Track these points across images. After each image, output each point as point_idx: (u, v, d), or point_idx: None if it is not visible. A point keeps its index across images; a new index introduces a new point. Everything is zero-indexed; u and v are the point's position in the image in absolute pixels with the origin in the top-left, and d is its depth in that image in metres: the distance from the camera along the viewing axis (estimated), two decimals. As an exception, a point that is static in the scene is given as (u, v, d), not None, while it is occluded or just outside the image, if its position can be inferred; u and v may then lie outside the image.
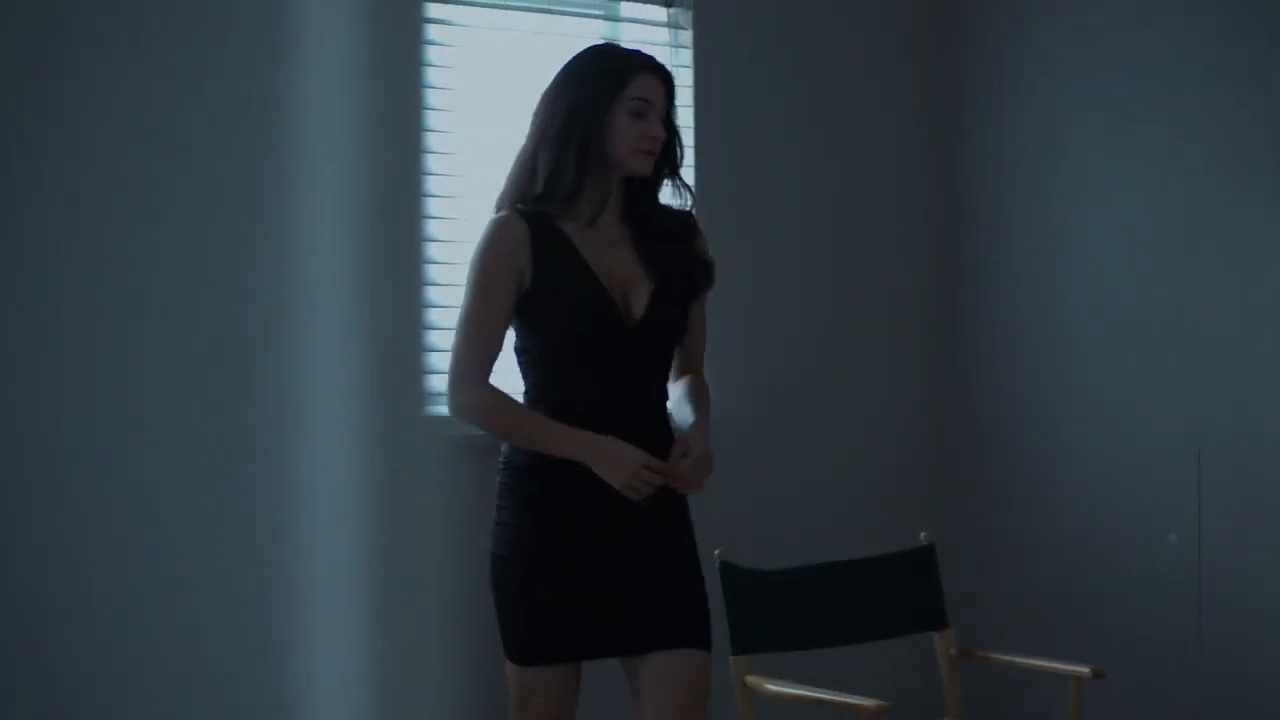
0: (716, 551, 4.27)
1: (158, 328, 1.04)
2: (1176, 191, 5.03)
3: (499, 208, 3.66)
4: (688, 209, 3.79)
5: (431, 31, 4.84)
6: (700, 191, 5.23)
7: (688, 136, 5.23)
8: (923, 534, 4.57)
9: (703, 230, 3.81)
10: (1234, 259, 4.90)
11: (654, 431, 3.65)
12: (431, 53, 4.76)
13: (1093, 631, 5.21)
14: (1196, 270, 4.99)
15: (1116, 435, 5.20)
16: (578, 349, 3.63)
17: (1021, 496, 5.41)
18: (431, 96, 4.42)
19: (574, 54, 3.70)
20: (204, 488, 1.03)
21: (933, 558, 4.51)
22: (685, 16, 5.29)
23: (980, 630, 5.21)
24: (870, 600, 4.47)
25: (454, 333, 3.62)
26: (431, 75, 4.68)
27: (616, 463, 3.55)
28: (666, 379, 3.75)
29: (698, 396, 3.75)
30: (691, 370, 3.81)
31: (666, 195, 3.81)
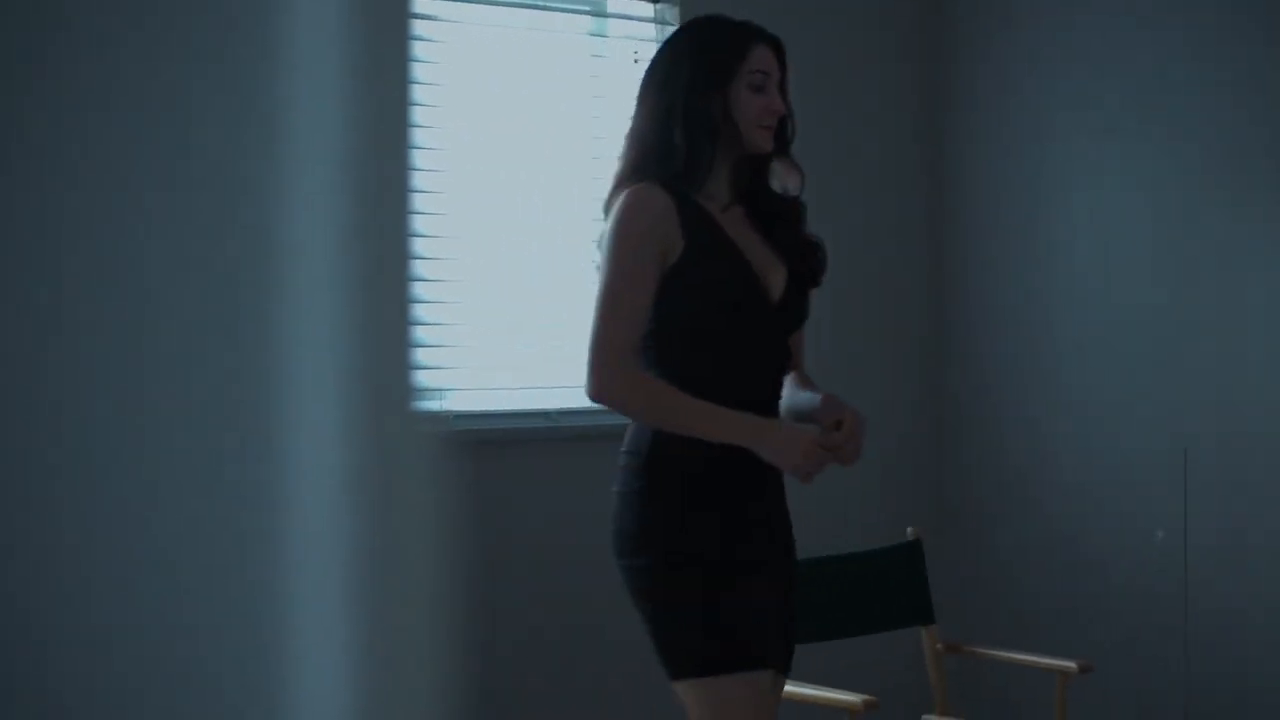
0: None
1: (144, 326, 1.04)
2: (1165, 192, 5.04)
3: (620, 188, 3.37)
4: (796, 191, 3.49)
5: (419, 27, 4.84)
6: None
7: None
8: (910, 529, 4.57)
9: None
10: (1221, 258, 4.91)
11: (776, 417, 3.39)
12: (419, 48, 4.76)
13: (1080, 627, 5.21)
14: (1184, 269, 5.00)
15: (1104, 433, 5.21)
16: (725, 328, 3.35)
17: (1010, 493, 5.42)
18: (418, 91, 4.42)
19: (682, 27, 3.54)
20: (190, 486, 1.03)
21: (920, 553, 4.51)
22: (672, 12, 5.29)
23: (968, 625, 5.22)
24: (857, 595, 4.47)
25: (595, 312, 3.31)
26: (419, 70, 4.68)
27: (787, 443, 3.27)
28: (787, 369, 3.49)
29: (809, 382, 3.52)
30: (800, 364, 3.57)
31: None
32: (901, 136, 5.71)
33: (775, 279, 3.41)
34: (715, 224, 3.36)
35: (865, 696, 3.86)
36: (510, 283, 5.01)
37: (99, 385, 1.03)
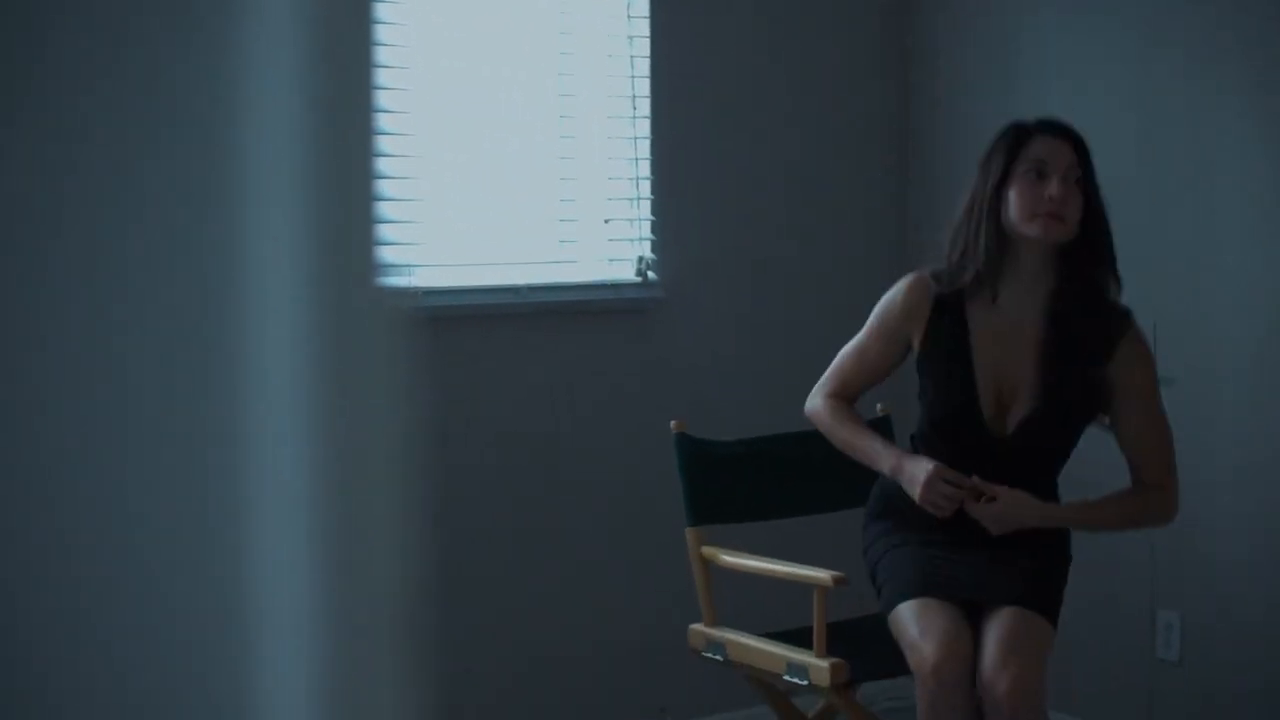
0: (673, 423, 4.27)
1: (103, 200, 1.01)
2: (1139, 70, 5.02)
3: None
4: (1122, 314, 3.67)
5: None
6: (655, 84, 5.20)
7: (643, 45, 5.18)
8: (879, 405, 4.57)
9: (1137, 340, 3.70)
10: (1194, 134, 4.89)
11: (1017, 533, 3.67)
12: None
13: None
14: (1156, 145, 4.98)
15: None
16: (940, 435, 3.73)
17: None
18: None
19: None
20: (147, 352, 1.01)
21: (889, 429, 4.51)
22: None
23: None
24: (827, 471, 4.47)
25: None
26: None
27: (911, 479, 3.67)
28: (1047, 487, 3.76)
29: (1112, 501, 3.77)
30: (1144, 479, 3.77)
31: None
32: (869, 29, 5.65)
33: (1018, 407, 3.63)
34: (963, 333, 3.62)
35: (834, 573, 3.87)
36: (479, 157, 4.96)
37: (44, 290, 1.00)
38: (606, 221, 5.22)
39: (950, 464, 3.65)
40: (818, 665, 3.85)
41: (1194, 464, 4.93)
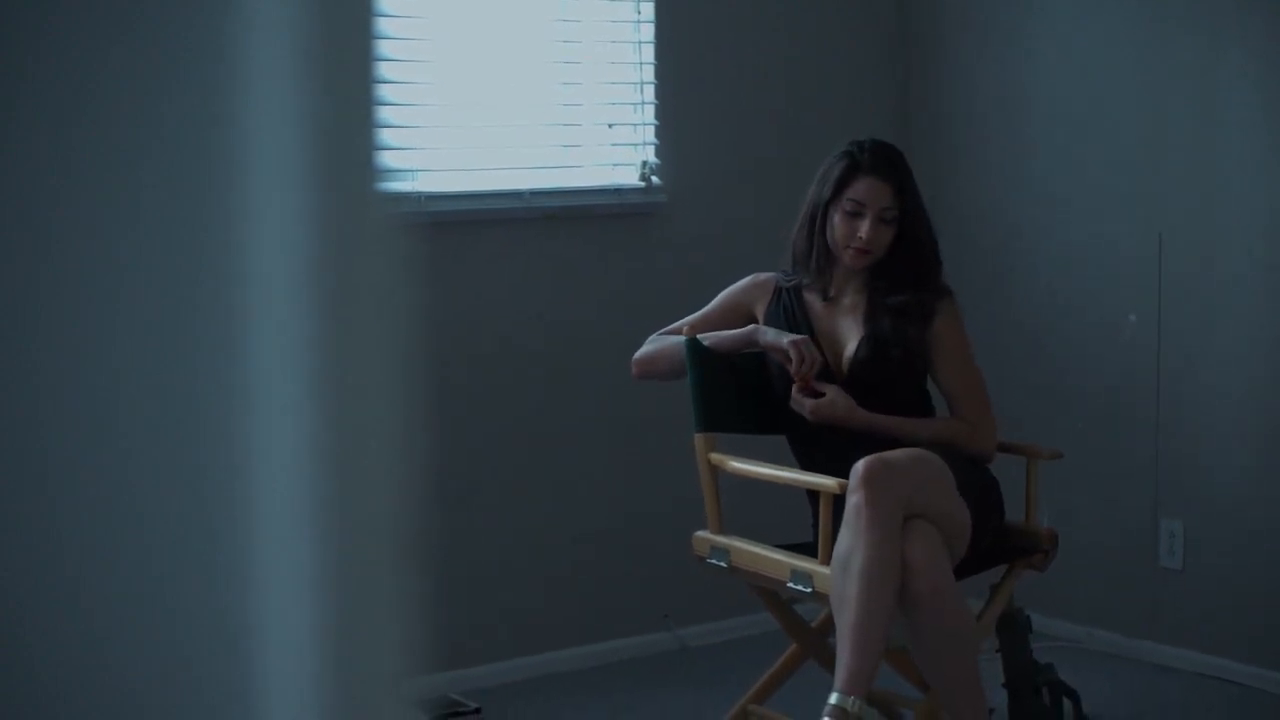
0: (685, 328, 4.26)
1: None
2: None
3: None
4: (941, 290, 4.19)
5: None
6: (661, 52, 5.16)
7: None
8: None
9: (950, 311, 4.19)
10: (1194, 40, 4.86)
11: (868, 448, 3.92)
12: None
13: (1052, 412, 5.23)
14: (1162, 57, 4.95)
15: (1079, 218, 5.19)
16: (786, 383, 4.14)
17: (984, 280, 5.40)
18: None
19: (846, 146, 4.20)
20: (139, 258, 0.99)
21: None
22: None
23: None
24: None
25: None
26: None
27: (779, 335, 4.15)
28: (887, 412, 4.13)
29: (916, 421, 4.13)
30: (959, 414, 4.22)
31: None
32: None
33: (847, 352, 4.15)
34: (803, 311, 4.23)
35: (841, 480, 3.86)
36: (483, 61, 4.92)
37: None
38: (610, 126, 5.19)
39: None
40: (822, 573, 3.85)
41: (1196, 374, 4.92)
